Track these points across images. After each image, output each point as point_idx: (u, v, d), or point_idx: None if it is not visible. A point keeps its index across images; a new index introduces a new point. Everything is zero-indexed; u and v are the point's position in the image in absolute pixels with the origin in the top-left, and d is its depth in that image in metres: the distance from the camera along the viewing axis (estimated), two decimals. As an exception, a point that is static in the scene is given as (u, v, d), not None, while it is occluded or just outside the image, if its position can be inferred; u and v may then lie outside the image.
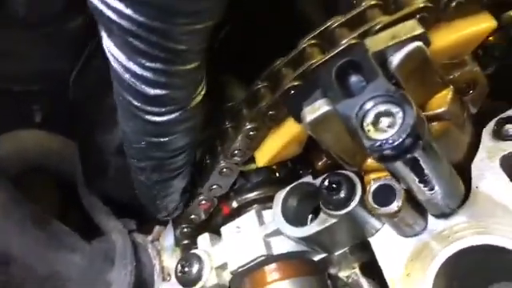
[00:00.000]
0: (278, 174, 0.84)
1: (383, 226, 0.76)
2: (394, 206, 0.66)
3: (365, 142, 0.50)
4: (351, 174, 0.71)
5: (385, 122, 0.51)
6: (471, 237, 0.70)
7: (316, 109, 0.60)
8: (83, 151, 1.01)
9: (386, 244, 0.76)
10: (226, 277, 0.81)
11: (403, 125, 0.49)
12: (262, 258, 0.78)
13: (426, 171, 0.55)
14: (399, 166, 0.53)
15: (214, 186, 0.78)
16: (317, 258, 0.81)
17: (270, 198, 0.79)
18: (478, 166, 0.70)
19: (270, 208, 0.80)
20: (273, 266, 0.78)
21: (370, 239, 0.78)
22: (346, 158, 0.67)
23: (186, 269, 0.81)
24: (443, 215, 0.73)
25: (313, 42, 0.61)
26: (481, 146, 0.70)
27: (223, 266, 0.81)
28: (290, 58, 0.63)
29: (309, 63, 0.60)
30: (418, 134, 0.50)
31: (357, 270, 0.81)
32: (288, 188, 0.78)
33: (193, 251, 0.83)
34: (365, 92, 0.52)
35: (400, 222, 0.71)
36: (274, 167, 0.84)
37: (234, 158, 0.73)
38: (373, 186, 0.69)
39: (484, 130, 0.70)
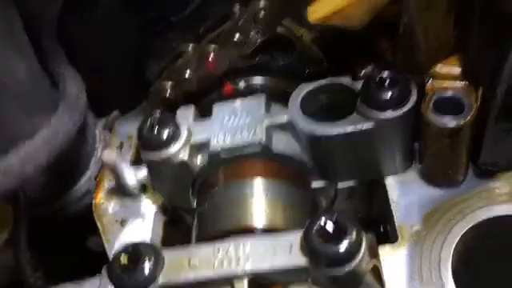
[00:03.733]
0: (307, 70, 0.68)
1: (409, 170, 0.63)
2: (458, 120, 0.53)
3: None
4: (408, 77, 0.57)
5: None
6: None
7: None
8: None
9: (406, 189, 0.62)
10: (198, 161, 0.62)
11: None
12: (257, 147, 0.60)
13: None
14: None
15: (236, 36, 0.61)
16: (314, 184, 0.65)
17: (287, 95, 0.64)
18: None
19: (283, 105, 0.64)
20: (261, 160, 0.60)
21: (387, 179, 0.63)
22: (423, 40, 0.53)
23: (155, 129, 0.61)
24: (487, 175, 0.60)
25: None
26: None
27: (202, 146, 0.62)
28: None
29: None
30: None
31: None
32: (318, 82, 0.63)
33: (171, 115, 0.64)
34: None
35: (444, 159, 0.58)
36: (306, 62, 0.69)
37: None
38: (437, 94, 0.55)
39: None
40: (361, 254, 0.45)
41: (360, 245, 0.45)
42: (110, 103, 0.90)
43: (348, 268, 0.44)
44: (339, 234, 0.45)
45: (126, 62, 0.88)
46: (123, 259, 0.47)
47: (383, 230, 0.66)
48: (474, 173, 0.61)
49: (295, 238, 0.48)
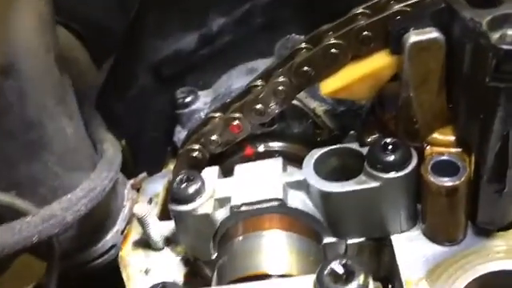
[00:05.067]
0: (318, 138, 0.77)
1: (413, 229, 0.68)
2: (454, 180, 0.60)
3: (493, 38, 0.46)
4: (408, 144, 0.65)
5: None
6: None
7: (425, 32, 0.57)
8: (118, 56, 0.93)
9: (411, 246, 0.67)
10: (220, 214, 0.69)
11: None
12: (275, 202, 0.67)
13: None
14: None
15: (258, 106, 0.70)
16: (325, 240, 0.70)
17: (300, 160, 0.72)
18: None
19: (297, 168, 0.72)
20: (277, 214, 0.67)
21: (393, 237, 0.68)
22: (420, 112, 0.62)
23: (184, 184, 0.69)
24: (485, 233, 0.65)
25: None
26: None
27: (224, 200, 0.69)
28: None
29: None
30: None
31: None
32: (330, 147, 0.71)
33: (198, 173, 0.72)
34: (497, 8, 0.50)
35: (443, 217, 0.63)
36: (318, 131, 0.78)
37: (298, 75, 0.66)
38: (434, 158, 0.62)
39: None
40: (368, 296, 0.50)
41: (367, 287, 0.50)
42: (138, 166, 0.99)
43: (356, 308, 0.49)
44: (348, 276, 0.50)
45: (156, 130, 0.99)
46: (153, 296, 0.53)
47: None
48: (473, 231, 0.66)
49: (308, 281, 0.53)
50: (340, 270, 0.51)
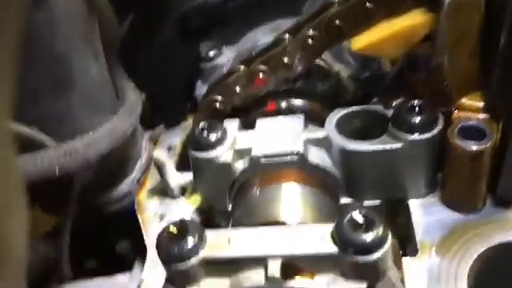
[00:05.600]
0: (341, 99, 0.76)
1: (431, 195, 0.68)
2: (480, 145, 0.59)
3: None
4: (435, 107, 0.64)
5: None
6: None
7: (465, -11, 0.56)
8: (142, 6, 0.92)
9: (428, 210, 0.67)
10: (239, 164, 0.69)
11: None
12: (295, 156, 0.67)
13: None
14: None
15: (284, 60, 0.70)
16: (342, 200, 0.70)
17: (322, 119, 0.71)
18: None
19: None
20: (297, 169, 0.67)
21: (410, 201, 0.68)
22: (451, 74, 0.61)
23: (205, 133, 0.69)
24: (505, 204, 0.65)
25: None
26: None
27: (244, 151, 0.69)
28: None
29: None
30: None
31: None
32: (354, 108, 0.70)
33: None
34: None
35: (464, 183, 0.63)
36: (341, 92, 0.77)
37: (329, 29, 0.65)
38: (462, 122, 0.62)
39: None
40: (386, 247, 0.50)
41: (386, 238, 0.50)
42: (156, 120, 1.00)
43: (373, 257, 0.49)
44: (368, 225, 0.50)
45: (177, 82, 0.98)
46: (172, 229, 0.53)
47: (404, 253, 0.70)
48: (492, 202, 0.66)
49: (327, 229, 0.53)
50: (360, 219, 0.51)
